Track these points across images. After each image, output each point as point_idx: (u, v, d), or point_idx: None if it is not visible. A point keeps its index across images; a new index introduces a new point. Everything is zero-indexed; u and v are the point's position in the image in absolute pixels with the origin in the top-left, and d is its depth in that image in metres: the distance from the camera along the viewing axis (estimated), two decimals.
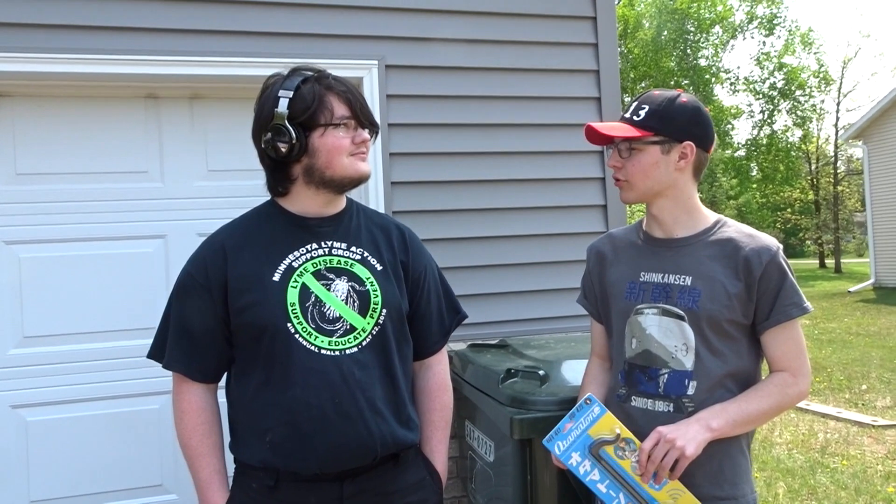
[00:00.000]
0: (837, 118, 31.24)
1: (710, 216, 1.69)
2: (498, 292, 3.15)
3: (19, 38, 2.65)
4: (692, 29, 32.62)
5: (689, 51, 32.88)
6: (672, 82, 30.31)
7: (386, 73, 3.03)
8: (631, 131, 1.61)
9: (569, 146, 3.26)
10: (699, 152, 1.63)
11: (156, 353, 1.64)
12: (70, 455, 2.79)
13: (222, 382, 1.66)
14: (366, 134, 1.60)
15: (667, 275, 1.64)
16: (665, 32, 32.00)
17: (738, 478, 1.61)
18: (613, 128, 1.64)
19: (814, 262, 33.54)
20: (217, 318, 1.56)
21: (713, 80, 33.04)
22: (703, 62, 33.28)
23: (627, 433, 1.54)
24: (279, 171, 1.60)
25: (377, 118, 2.95)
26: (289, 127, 1.52)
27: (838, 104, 31.25)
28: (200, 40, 2.84)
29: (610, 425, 1.54)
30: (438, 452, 1.75)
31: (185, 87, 2.95)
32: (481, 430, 2.44)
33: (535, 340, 2.74)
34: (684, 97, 1.63)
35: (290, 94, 1.53)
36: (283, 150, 1.53)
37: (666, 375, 1.61)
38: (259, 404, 1.54)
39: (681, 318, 1.60)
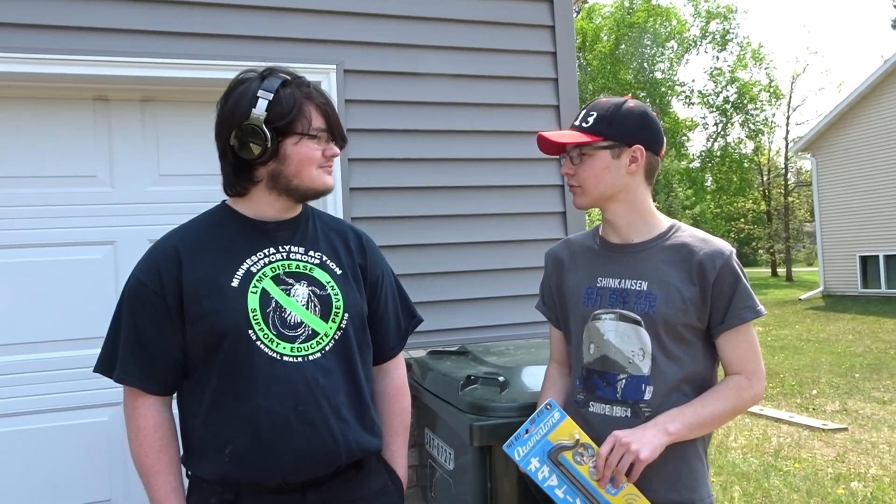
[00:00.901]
0: (787, 131, 32.33)
1: (665, 221, 1.71)
2: (458, 299, 3.14)
3: None
4: (649, 43, 33.34)
5: (645, 64, 33.61)
6: (629, 94, 30.85)
7: (345, 78, 3.00)
8: (581, 137, 1.63)
9: (528, 153, 3.26)
10: (649, 155, 1.65)
11: (104, 366, 1.55)
12: (13, 470, 2.68)
13: None
14: (336, 149, 1.59)
15: (623, 280, 1.66)
16: (622, 46, 32.63)
17: (694, 482, 1.62)
18: (564, 135, 1.66)
19: (766, 271, 34.43)
20: (173, 327, 1.50)
21: (669, 92, 33.86)
22: (659, 75, 34.08)
23: (586, 438, 1.54)
24: (243, 172, 1.55)
25: None
26: (265, 129, 1.48)
27: (788, 118, 32.38)
28: (152, 41, 2.78)
29: (569, 430, 1.54)
30: (399, 457, 1.72)
31: (136, 89, 2.87)
32: (441, 437, 2.41)
33: (495, 347, 2.73)
34: (631, 103, 1.66)
35: (270, 96, 1.49)
36: (255, 151, 1.49)
37: (623, 381, 1.62)
38: (217, 415, 1.48)
39: (637, 322, 1.61)
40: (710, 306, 1.60)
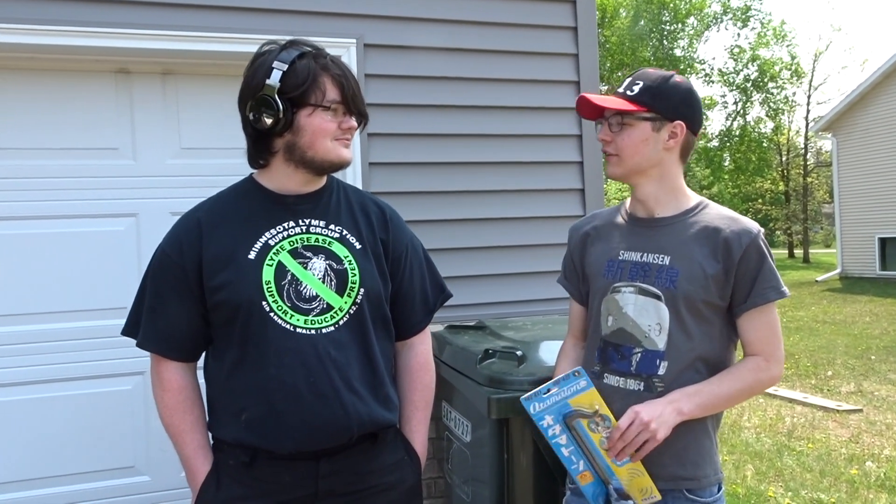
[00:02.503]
0: (808, 111, 31.78)
1: (693, 198, 1.69)
2: (476, 275, 3.14)
3: None
4: (668, 19, 32.81)
5: (665, 41, 33.08)
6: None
7: (365, 53, 2.99)
8: (624, 105, 1.61)
9: (548, 130, 3.25)
10: (688, 134, 1.64)
11: (130, 329, 1.61)
12: (40, 436, 2.74)
13: (201, 362, 1.65)
14: (353, 122, 1.57)
15: (646, 254, 1.64)
16: (642, 22, 32.14)
17: (701, 459, 1.62)
18: (607, 100, 1.64)
19: (783, 252, 34.10)
20: (193, 297, 1.54)
21: (688, 70, 33.27)
22: (678, 52, 33.54)
23: (606, 411, 1.55)
24: (261, 142, 1.57)
25: None
26: (277, 100, 1.48)
27: (809, 97, 31.74)
28: (173, 14, 2.77)
29: (591, 400, 1.55)
30: (418, 433, 1.73)
31: (157, 62, 2.87)
32: (458, 410, 2.44)
33: (512, 322, 2.75)
34: (678, 77, 1.64)
35: (285, 66, 1.49)
36: (268, 122, 1.50)
37: (639, 355, 1.61)
38: (234, 383, 1.53)
39: (657, 297, 1.60)
40: (733, 285, 1.58)
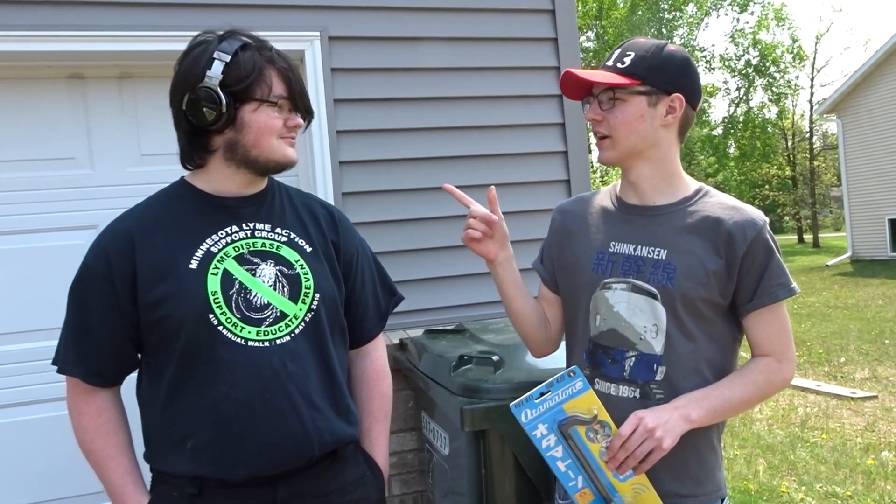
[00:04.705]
0: (812, 93, 31.60)
1: (692, 184, 1.53)
2: (456, 275, 3.00)
3: None
4: (666, 7, 32.63)
5: (663, 30, 32.89)
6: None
7: (329, 46, 2.86)
8: (616, 78, 1.44)
9: (528, 119, 3.10)
10: (687, 108, 1.47)
11: (55, 357, 1.47)
12: (6, 460, 2.61)
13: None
14: (299, 119, 1.49)
15: (639, 247, 1.48)
16: (639, 11, 31.96)
17: (703, 475, 1.47)
18: (596, 74, 1.47)
19: (792, 238, 33.94)
20: (121, 315, 1.41)
21: None
22: (678, 40, 33.34)
23: (606, 416, 1.38)
24: (197, 140, 1.46)
25: (321, 93, 2.83)
26: (220, 93, 1.38)
27: (812, 79, 31.68)
28: (128, 13, 2.65)
29: (588, 404, 1.37)
30: (379, 446, 1.63)
31: (112, 65, 2.74)
32: (437, 421, 2.29)
33: (493, 324, 2.60)
34: (672, 46, 1.48)
35: (227, 58, 1.38)
36: (209, 117, 1.39)
37: (633, 359, 1.46)
38: (176, 408, 1.39)
39: (653, 295, 1.44)
40: (736, 282, 1.43)
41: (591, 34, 31.62)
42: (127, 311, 1.40)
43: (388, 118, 2.95)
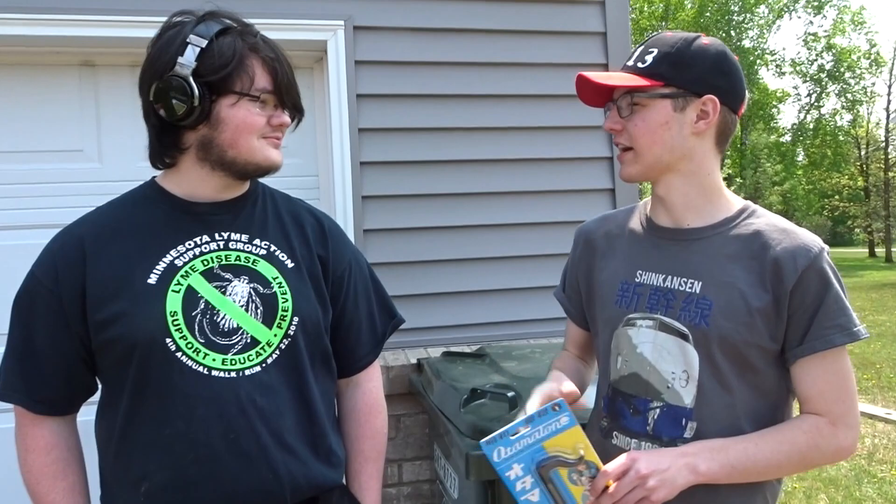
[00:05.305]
0: (889, 101, 30.34)
1: (735, 202, 1.30)
2: (483, 290, 2.77)
3: None
4: (736, 9, 31.77)
5: (732, 32, 32.04)
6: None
7: (354, 36, 2.67)
8: (634, 80, 1.24)
9: (571, 121, 2.85)
10: (724, 111, 1.25)
11: None
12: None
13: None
14: (285, 117, 1.33)
15: (670, 277, 1.28)
16: (707, 13, 31.20)
17: None
18: (611, 77, 1.27)
19: (863, 252, 32.88)
20: (70, 334, 1.26)
21: (758, 62, 32.32)
22: (747, 43, 32.54)
23: (593, 456, 1.16)
24: (167, 136, 1.30)
25: (343, 88, 2.65)
26: (192, 83, 1.21)
27: (889, 87, 30.43)
28: None
29: (574, 442, 1.16)
30: (369, 489, 1.46)
31: (125, 52, 2.59)
32: (447, 459, 2.05)
33: (517, 349, 2.35)
34: (706, 39, 1.26)
35: (203, 43, 1.22)
36: (178, 110, 1.23)
37: (657, 411, 1.26)
38: (130, 444, 1.25)
39: (683, 336, 1.23)
40: (786, 321, 1.19)
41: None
42: (77, 330, 1.25)
43: (414, 116, 2.75)
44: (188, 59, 1.21)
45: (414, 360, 2.51)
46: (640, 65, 1.25)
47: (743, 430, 1.22)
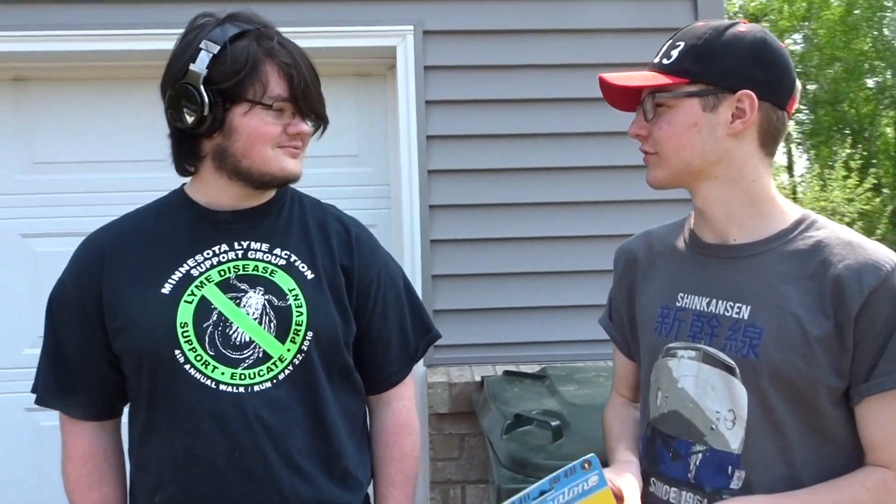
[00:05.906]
0: None
1: (791, 212, 1.13)
2: (556, 305, 2.65)
3: None
4: (890, 4, 29.35)
5: (885, 30, 29.65)
6: (866, 65, 27.39)
7: (424, 41, 2.64)
8: (656, 79, 1.11)
9: None
10: (766, 108, 1.08)
11: (34, 386, 1.36)
12: None
13: None
14: (304, 126, 1.27)
15: (714, 300, 1.12)
16: (857, 11, 29.07)
17: None
18: (632, 77, 1.14)
19: None
20: (96, 340, 1.27)
21: None
22: None
23: None
24: (185, 144, 1.28)
25: (412, 94, 2.64)
26: (202, 92, 1.19)
27: None
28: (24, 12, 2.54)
29: None
30: None
31: (8, 67, 2.66)
32: (493, 487, 1.93)
33: (581, 372, 2.22)
34: (742, 27, 1.09)
35: (216, 48, 1.20)
36: (189, 120, 1.21)
37: (700, 455, 1.10)
38: (146, 455, 1.26)
39: (729, 369, 1.07)
40: (852, 352, 1.02)
41: (797, 37, 29.17)
42: (101, 336, 1.27)
43: (486, 122, 2.69)
44: (200, 65, 1.19)
45: (478, 378, 2.41)
46: (664, 61, 1.11)
47: (802, 482, 1.04)
